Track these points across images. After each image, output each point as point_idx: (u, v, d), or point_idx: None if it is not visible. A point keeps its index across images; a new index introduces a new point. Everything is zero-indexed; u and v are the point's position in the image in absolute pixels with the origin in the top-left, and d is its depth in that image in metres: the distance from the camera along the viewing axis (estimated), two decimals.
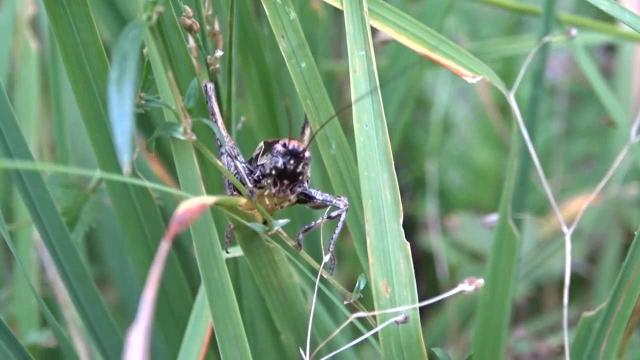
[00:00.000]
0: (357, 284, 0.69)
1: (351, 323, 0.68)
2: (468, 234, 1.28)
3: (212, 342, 0.70)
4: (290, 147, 0.66)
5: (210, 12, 0.75)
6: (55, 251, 0.75)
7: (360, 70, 0.69)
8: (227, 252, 0.70)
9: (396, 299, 0.67)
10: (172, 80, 0.61)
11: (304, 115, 0.73)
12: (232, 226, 0.69)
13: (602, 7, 0.74)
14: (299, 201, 0.70)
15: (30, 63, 1.03)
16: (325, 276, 0.69)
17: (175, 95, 0.61)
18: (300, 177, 0.67)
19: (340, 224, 0.69)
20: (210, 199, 0.60)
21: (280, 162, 0.66)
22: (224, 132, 0.72)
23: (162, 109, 0.65)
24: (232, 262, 0.82)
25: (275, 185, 0.67)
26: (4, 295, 1.03)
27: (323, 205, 0.70)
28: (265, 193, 0.68)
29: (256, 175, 0.69)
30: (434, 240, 1.28)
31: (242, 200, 0.66)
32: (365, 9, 0.69)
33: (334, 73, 1.15)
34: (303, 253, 0.70)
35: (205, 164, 0.76)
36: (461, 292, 0.66)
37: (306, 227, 0.70)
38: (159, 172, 1.02)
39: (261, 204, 0.68)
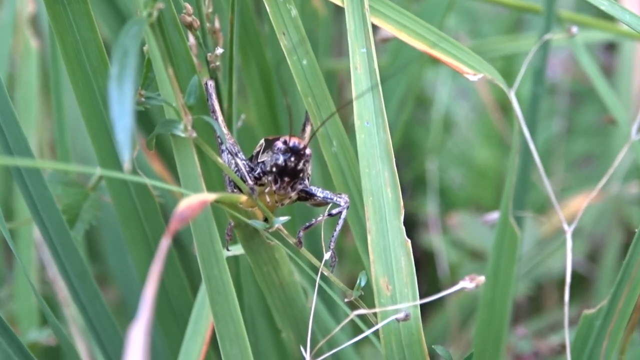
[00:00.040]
0: (358, 282, 0.69)
1: (352, 321, 0.68)
2: (468, 232, 1.28)
3: (213, 340, 0.70)
4: (291, 144, 0.66)
5: (210, 10, 0.75)
6: (55, 249, 0.75)
7: (361, 67, 0.68)
8: (228, 250, 0.70)
9: (397, 297, 0.67)
10: (172, 77, 0.61)
11: (305, 113, 0.73)
12: (232, 224, 0.69)
13: (602, 7, 0.74)
14: (299, 198, 0.70)
15: (30, 61, 1.03)
16: (326, 274, 0.69)
17: (176, 92, 0.61)
18: (301, 175, 0.67)
19: (341, 222, 0.69)
20: (210, 196, 0.60)
21: (281, 159, 0.66)
22: (225, 130, 0.71)
23: (162, 107, 0.65)
24: (233, 260, 0.82)
25: (276, 182, 0.67)
26: (4, 293, 1.03)
27: (324, 202, 0.70)
28: (266, 190, 0.68)
29: (257, 172, 0.69)
30: (435, 239, 1.28)
31: (243, 198, 0.66)
32: (366, 6, 0.69)
33: (334, 71, 1.15)
34: (304, 250, 0.69)
35: (205, 161, 0.76)
36: (462, 290, 0.66)
37: (307, 224, 0.70)
38: (159, 170, 1.02)
39: (262, 201, 0.67)
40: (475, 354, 0.69)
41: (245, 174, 0.69)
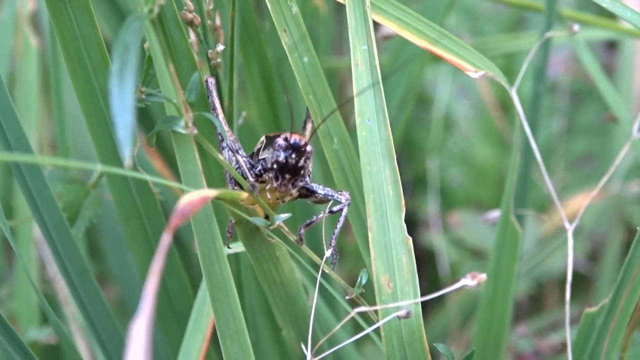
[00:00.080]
0: (359, 279, 0.68)
1: (353, 318, 0.68)
2: (469, 231, 1.28)
3: (214, 338, 0.70)
4: (292, 141, 0.66)
5: (211, 7, 0.75)
6: (55, 247, 0.75)
7: (362, 64, 0.68)
8: (229, 248, 0.70)
9: (398, 294, 0.67)
10: (173, 74, 0.61)
11: (306, 110, 0.73)
12: (233, 221, 0.69)
13: (604, 5, 0.74)
14: (300, 196, 0.69)
15: (30, 59, 1.03)
16: (327, 271, 0.69)
17: (177, 89, 0.61)
18: (302, 172, 0.67)
19: (342, 219, 0.69)
20: (211, 192, 0.60)
21: (281, 156, 0.66)
22: (226, 127, 0.71)
23: (163, 105, 0.65)
24: (234, 258, 0.82)
25: (276, 179, 0.66)
26: (5, 291, 1.03)
27: (325, 199, 0.70)
28: (267, 187, 0.67)
29: (258, 169, 0.68)
30: (435, 238, 1.28)
31: (244, 195, 0.66)
32: (368, 3, 0.69)
33: (335, 69, 1.15)
34: (305, 248, 0.69)
35: (206, 158, 0.76)
36: (462, 289, 0.65)
37: (308, 221, 0.70)
38: (160, 168, 1.02)
39: (263, 198, 0.67)
40: (476, 352, 0.69)
41: (246, 171, 0.68)
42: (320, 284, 0.69)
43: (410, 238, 0.67)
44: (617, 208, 1.27)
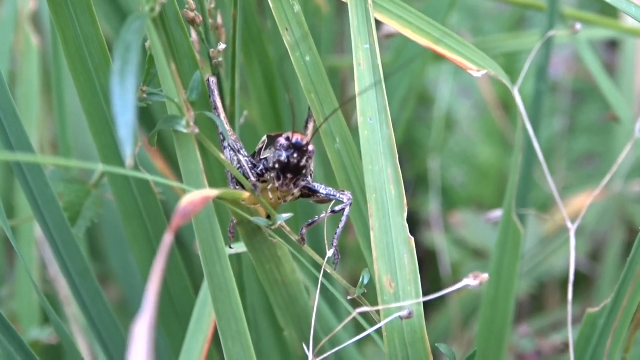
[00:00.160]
0: (360, 279, 0.68)
1: (354, 319, 0.68)
2: (470, 231, 1.28)
3: (215, 338, 0.70)
4: (294, 140, 0.65)
5: (213, 5, 0.75)
6: (57, 247, 0.75)
7: (364, 63, 0.68)
8: (231, 248, 0.70)
9: (400, 294, 0.66)
10: (174, 73, 0.60)
11: (308, 109, 0.73)
12: (235, 221, 0.69)
13: (608, 0, 0.73)
14: (302, 195, 0.69)
15: (31, 58, 1.03)
16: (328, 271, 0.69)
17: (178, 88, 0.61)
18: (304, 171, 0.66)
19: (344, 219, 0.69)
20: (213, 192, 0.60)
21: (283, 156, 0.65)
22: (227, 126, 0.71)
23: (164, 104, 0.65)
24: (235, 258, 0.82)
25: (278, 179, 0.66)
26: (6, 291, 1.03)
27: (327, 199, 0.70)
28: (269, 187, 0.67)
29: (259, 169, 0.68)
30: (437, 237, 1.28)
31: (245, 195, 0.66)
32: (370, 1, 0.69)
33: (337, 68, 1.15)
34: (306, 248, 0.69)
35: (208, 158, 0.76)
36: (464, 289, 0.65)
37: (310, 221, 0.69)
38: (161, 167, 1.02)
39: (264, 198, 0.67)
40: (478, 352, 0.69)
41: (248, 170, 0.68)
42: (322, 284, 0.69)
43: (413, 238, 0.67)
44: (618, 207, 1.27)
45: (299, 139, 0.65)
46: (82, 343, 0.98)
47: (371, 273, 0.68)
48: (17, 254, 0.76)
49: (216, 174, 0.77)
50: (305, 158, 0.66)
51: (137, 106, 0.55)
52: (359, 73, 0.68)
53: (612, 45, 1.46)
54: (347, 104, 0.71)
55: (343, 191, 0.70)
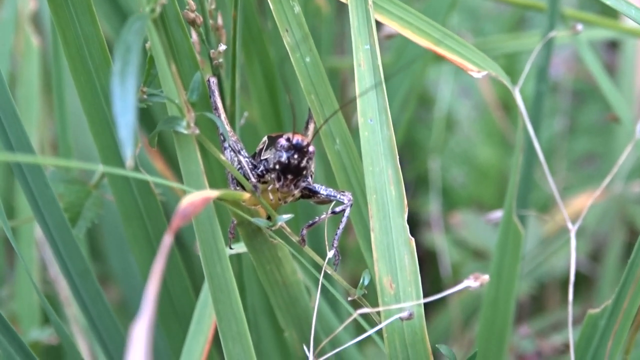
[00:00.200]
0: (361, 280, 0.68)
1: (355, 320, 0.67)
2: (471, 231, 1.27)
3: (216, 339, 0.70)
4: (294, 141, 0.65)
5: (213, 6, 0.75)
6: (57, 247, 0.75)
7: (364, 64, 0.68)
8: (231, 248, 0.70)
9: (401, 295, 0.66)
10: (175, 74, 0.60)
11: (308, 110, 0.73)
12: (235, 222, 0.69)
13: (608, 2, 0.73)
14: (302, 196, 0.69)
15: (32, 59, 1.03)
16: (329, 272, 0.69)
17: (179, 89, 0.61)
18: (304, 172, 0.66)
19: (344, 220, 0.69)
20: (213, 193, 0.60)
21: (284, 157, 0.65)
22: (228, 127, 0.71)
23: (165, 105, 0.65)
24: (236, 259, 0.82)
25: (279, 180, 0.66)
26: (6, 292, 1.03)
27: (327, 200, 0.70)
28: (269, 188, 0.67)
29: (260, 170, 0.68)
30: (437, 238, 1.28)
31: (246, 195, 0.66)
32: (370, 2, 0.69)
33: (337, 69, 1.15)
34: (307, 249, 0.69)
35: (208, 159, 0.76)
36: (464, 290, 0.65)
37: (310, 222, 0.69)
38: (162, 168, 1.02)
39: (265, 199, 0.67)
40: (478, 353, 0.69)
41: (248, 171, 0.68)
42: (323, 285, 0.69)
43: (413, 239, 0.67)
44: (619, 208, 1.27)
45: (300, 140, 0.65)
46: (82, 344, 0.98)
47: (372, 274, 0.68)
48: (17, 254, 0.76)
49: (216, 175, 0.77)
50: (305, 159, 0.66)
51: (138, 107, 0.54)
52: (360, 74, 0.68)
53: (613, 46, 1.46)
54: (347, 105, 0.71)
55: (343, 192, 0.70)
